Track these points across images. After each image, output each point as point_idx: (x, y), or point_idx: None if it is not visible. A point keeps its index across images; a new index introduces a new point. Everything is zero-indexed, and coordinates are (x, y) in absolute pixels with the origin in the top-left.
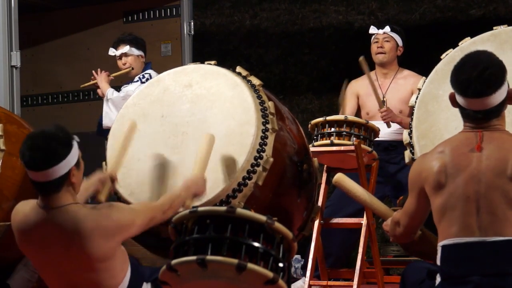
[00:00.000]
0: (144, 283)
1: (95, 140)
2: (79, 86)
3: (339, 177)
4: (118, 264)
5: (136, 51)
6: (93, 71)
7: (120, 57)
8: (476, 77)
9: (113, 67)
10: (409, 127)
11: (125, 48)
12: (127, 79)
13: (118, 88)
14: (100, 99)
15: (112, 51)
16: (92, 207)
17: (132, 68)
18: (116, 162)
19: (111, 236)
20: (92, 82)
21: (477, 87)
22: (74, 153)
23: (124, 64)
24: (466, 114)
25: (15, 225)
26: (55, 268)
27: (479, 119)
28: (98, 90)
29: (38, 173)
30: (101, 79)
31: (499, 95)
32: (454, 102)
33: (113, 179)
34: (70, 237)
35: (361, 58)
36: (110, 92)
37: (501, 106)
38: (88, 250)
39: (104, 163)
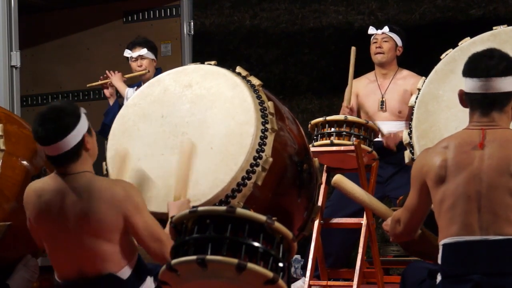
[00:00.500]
0: (148, 277)
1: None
2: (81, 85)
3: (338, 178)
4: (125, 247)
5: (151, 55)
6: (107, 71)
7: (136, 59)
8: (487, 58)
9: (113, 67)
10: (409, 127)
11: (143, 51)
12: (132, 81)
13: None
14: (100, 99)
15: (128, 53)
16: (110, 178)
17: (148, 71)
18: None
19: (120, 206)
20: (102, 81)
21: (487, 65)
22: (83, 122)
23: (140, 66)
24: (473, 101)
25: (30, 196)
26: (63, 241)
27: (486, 105)
28: (106, 91)
29: (52, 146)
30: (117, 79)
31: (507, 83)
32: (461, 99)
33: None
34: (83, 199)
35: (353, 49)
36: (130, 92)
37: (507, 97)
38: (94, 212)
39: (104, 163)
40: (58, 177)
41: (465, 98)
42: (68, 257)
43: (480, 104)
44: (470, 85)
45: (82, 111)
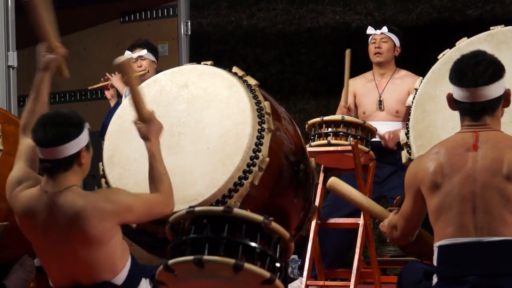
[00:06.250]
0: (143, 279)
1: (92, 141)
2: (78, 86)
3: (333, 181)
4: (117, 252)
5: (151, 57)
6: (107, 73)
7: (136, 59)
8: (473, 66)
9: (110, 67)
10: (406, 127)
11: (142, 52)
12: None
13: None
14: (97, 100)
15: (128, 54)
16: (92, 191)
17: (148, 71)
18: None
19: (109, 217)
20: (103, 83)
21: (474, 74)
22: (85, 135)
23: (140, 66)
24: (463, 109)
25: (17, 208)
26: (55, 254)
27: (475, 112)
28: (107, 92)
29: (48, 150)
30: (117, 79)
31: (495, 89)
32: (450, 102)
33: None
34: (70, 220)
35: (348, 51)
36: (128, 90)
37: (497, 102)
38: (86, 230)
39: (100, 163)
40: (43, 194)
41: (454, 103)
42: (61, 268)
43: (469, 111)
44: (458, 93)
45: (86, 126)
